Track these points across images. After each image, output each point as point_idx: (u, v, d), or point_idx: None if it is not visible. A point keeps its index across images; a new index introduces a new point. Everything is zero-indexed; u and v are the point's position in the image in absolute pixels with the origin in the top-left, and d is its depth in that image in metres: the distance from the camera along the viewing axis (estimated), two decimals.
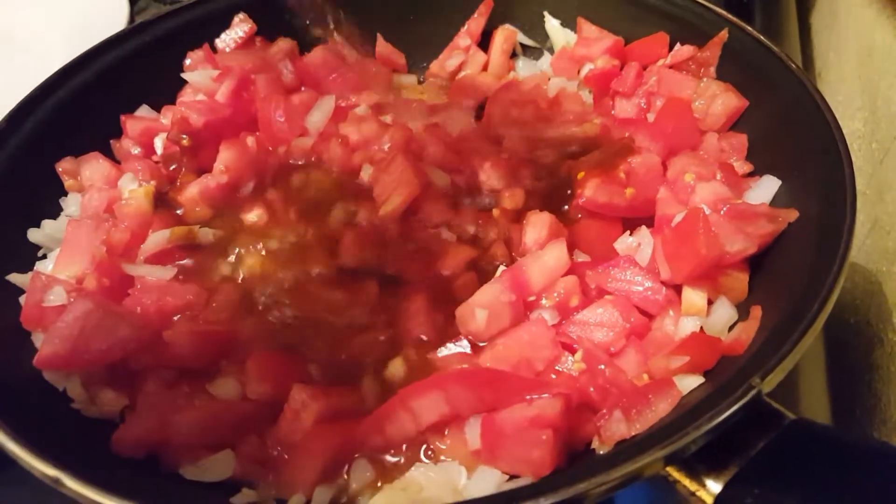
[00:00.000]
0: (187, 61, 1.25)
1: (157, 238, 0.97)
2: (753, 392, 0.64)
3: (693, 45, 1.14)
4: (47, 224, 1.03)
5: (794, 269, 0.83)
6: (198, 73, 1.21)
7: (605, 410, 0.74)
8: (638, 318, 0.84)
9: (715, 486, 0.64)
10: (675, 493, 0.67)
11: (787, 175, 0.96)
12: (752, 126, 1.06)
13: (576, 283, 0.88)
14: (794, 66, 1.00)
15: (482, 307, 0.85)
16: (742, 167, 1.02)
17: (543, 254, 0.90)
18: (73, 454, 0.68)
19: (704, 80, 1.10)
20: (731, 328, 0.85)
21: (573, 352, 0.82)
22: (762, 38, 1.07)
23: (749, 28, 1.09)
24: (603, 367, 0.76)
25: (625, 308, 0.84)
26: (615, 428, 0.72)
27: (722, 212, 0.89)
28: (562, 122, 1.14)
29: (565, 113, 1.17)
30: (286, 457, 0.75)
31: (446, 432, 0.76)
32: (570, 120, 1.13)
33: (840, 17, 1.60)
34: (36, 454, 0.66)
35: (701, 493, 0.64)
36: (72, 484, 0.63)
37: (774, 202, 0.95)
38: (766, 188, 0.96)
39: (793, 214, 0.88)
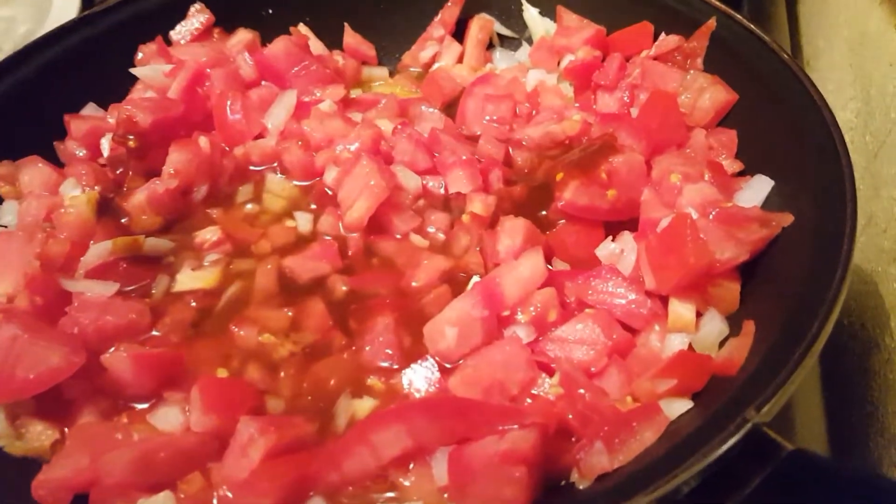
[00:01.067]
0: (139, 55, 1.17)
1: (99, 250, 0.89)
2: (749, 425, 0.57)
3: (679, 35, 1.07)
4: None
5: (790, 279, 0.76)
6: (149, 67, 1.13)
7: (585, 440, 0.67)
8: (621, 335, 0.78)
9: None
10: None
11: (780, 174, 0.90)
12: (741, 121, 1.00)
13: (553, 296, 0.81)
14: (786, 56, 0.94)
15: (452, 324, 0.78)
16: (731, 166, 0.95)
17: (518, 264, 0.83)
18: None
19: (691, 72, 1.03)
20: (721, 343, 0.79)
21: (550, 372, 0.75)
22: (752, 27, 1.00)
23: (738, 16, 1.02)
24: (583, 391, 0.69)
25: (606, 323, 0.77)
26: (596, 460, 0.66)
27: (711, 216, 0.82)
28: (540, 119, 1.06)
29: (544, 109, 1.09)
30: (232, 496, 0.67)
31: (410, 467, 0.69)
32: (549, 117, 1.06)
33: (830, 3, 1.54)
34: None
35: None
36: None
37: (766, 204, 0.89)
38: (757, 189, 0.90)
39: (787, 219, 0.82)
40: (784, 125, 0.91)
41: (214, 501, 0.70)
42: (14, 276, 0.86)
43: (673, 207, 0.87)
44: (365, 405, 0.79)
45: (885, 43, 1.19)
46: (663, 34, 1.09)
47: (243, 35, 1.20)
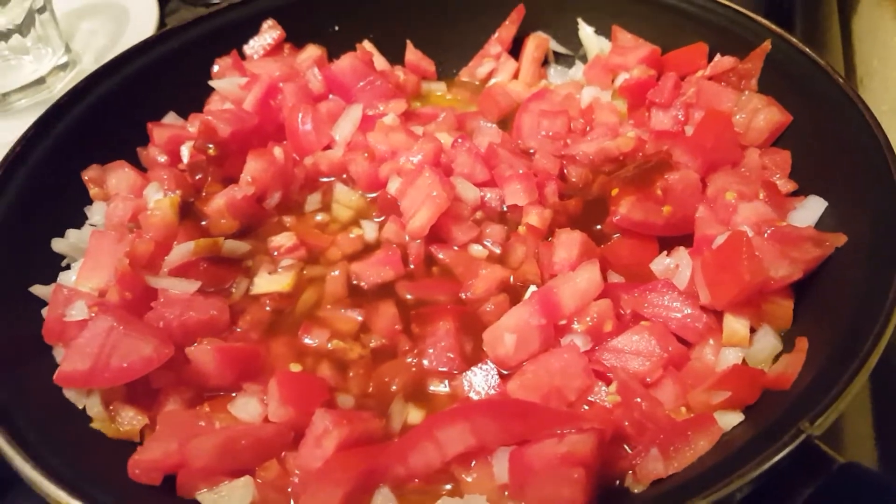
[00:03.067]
0: (215, 68, 1.24)
1: (182, 250, 0.95)
2: (803, 437, 0.60)
3: (734, 56, 1.09)
4: (71, 234, 1.03)
5: (843, 298, 0.79)
6: (225, 80, 1.20)
7: (640, 447, 0.70)
8: (676, 347, 0.81)
9: None
10: None
11: (834, 196, 0.92)
12: (795, 142, 1.02)
13: (609, 307, 0.84)
14: (840, 79, 0.96)
15: (511, 331, 0.82)
16: (785, 185, 0.97)
17: (575, 275, 0.86)
18: (87, 479, 0.67)
19: (746, 92, 1.05)
20: (775, 359, 0.81)
21: (607, 381, 0.79)
22: (806, 49, 1.02)
23: (793, 39, 1.04)
24: (639, 400, 0.73)
25: (662, 336, 0.80)
26: (652, 466, 0.69)
27: (766, 234, 0.84)
28: (595, 135, 1.10)
29: (598, 125, 1.13)
30: (307, 484, 0.73)
31: (472, 464, 0.73)
32: (604, 133, 1.09)
33: (885, 23, 1.54)
34: (50, 479, 0.65)
35: None
36: None
37: (820, 224, 0.91)
38: (811, 209, 0.92)
39: (841, 239, 0.83)
40: (838, 146, 0.93)
41: (289, 489, 0.75)
42: (106, 273, 0.93)
43: (728, 225, 0.90)
44: (417, 414, 0.83)
45: None
46: (718, 55, 1.12)
47: (312, 51, 1.27)
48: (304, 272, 0.99)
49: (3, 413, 0.76)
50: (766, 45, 1.06)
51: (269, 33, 1.27)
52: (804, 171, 0.99)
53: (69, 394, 0.84)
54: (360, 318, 0.92)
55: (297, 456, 0.75)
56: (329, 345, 0.90)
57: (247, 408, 0.81)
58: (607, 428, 0.70)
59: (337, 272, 0.96)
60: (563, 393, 0.77)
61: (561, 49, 1.33)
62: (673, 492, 0.59)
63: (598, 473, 0.69)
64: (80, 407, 0.84)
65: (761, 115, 1.02)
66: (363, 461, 0.72)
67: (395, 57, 1.32)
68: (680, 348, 0.81)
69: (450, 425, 0.71)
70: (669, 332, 0.82)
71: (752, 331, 0.82)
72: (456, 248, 1.00)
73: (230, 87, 1.18)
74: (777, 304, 0.82)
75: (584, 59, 1.30)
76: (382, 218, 1.05)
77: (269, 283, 0.96)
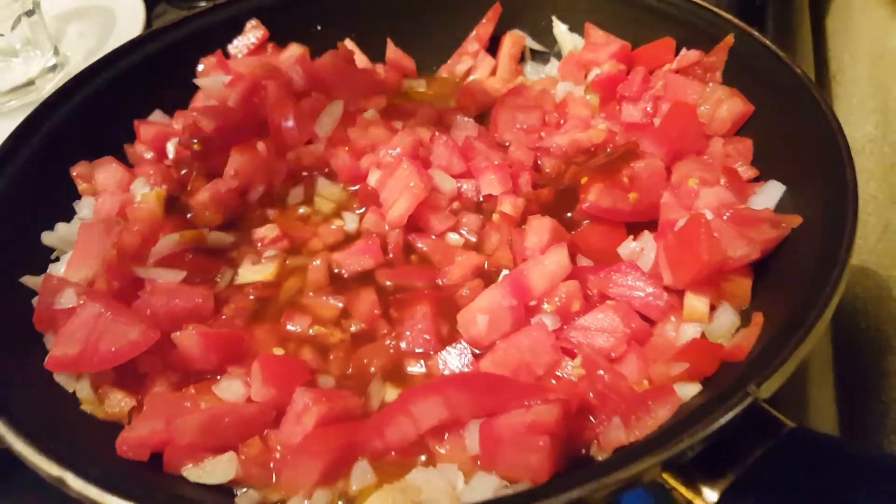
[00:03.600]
0: (200, 67, 1.28)
1: (168, 241, 0.99)
2: (750, 399, 0.64)
3: (699, 50, 1.14)
4: (61, 227, 1.06)
5: (796, 275, 0.83)
6: (210, 78, 1.23)
7: (604, 417, 0.74)
8: (639, 324, 0.85)
9: (711, 495, 0.64)
10: (672, 500, 0.67)
11: (792, 181, 0.96)
12: (758, 130, 1.06)
13: (577, 288, 0.88)
14: (799, 71, 1.00)
15: (483, 312, 0.85)
16: (747, 172, 1.01)
17: (544, 258, 0.90)
18: (78, 455, 0.70)
19: (710, 84, 1.10)
20: (734, 335, 0.85)
21: (574, 357, 0.83)
22: (768, 42, 1.06)
23: (756, 33, 1.09)
24: (602, 372, 0.77)
25: (626, 314, 0.84)
26: (614, 434, 0.72)
27: (725, 216, 0.88)
28: (567, 128, 1.14)
29: (571, 118, 1.17)
30: (287, 458, 0.76)
31: (445, 437, 0.76)
32: (576, 126, 1.14)
33: (854, 19, 1.59)
34: (42, 454, 0.68)
35: (697, 502, 0.64)
36: (75, 483, 0.65)
37: (779, 208, 0.95)
38: (770, 193, 0.96)
39: (796, 220, 0.88)
40: (796, 135, 0.97)
41: (271, 464, 0.78)
42: (94, 263, 0.96)
43: (690, 209, 0.94)
44: (394, 392, 0.86)
45: None
46: (685, 49, 1.16)
47: (295, 49, 1.30)
48: (287, 262, 1.03)
49: None
50: (729, 38, 1.11)
51: (253, 33, 1.31)
52: (765, 158, 1.03)
53: (60, 378, 0.87)
54: (340, 305, 0.95)
55: (278, 433, 0.78)
56: (310, 330, 0.93)
57: (230, 388, 0.84)
58: (572, 399, 0.73)
59: (318, 262, 1.00)
60: (532, 368, 0.81)
61: (536, 46, 1.37)
62: (628, 453, 0.63)
63: (563, 442, 0.72)
64: (71, 391, 0.87)
65: (724, 105, 1.06)
66: (342, 436, 0.76)
67: (377, 55, 1.36)
68: (643, 325, 0.85)
69: (423, 399, 0.75)
70: (633, 310, 0.86)
71: (713, 308, 0.86)
72: (433, 236, 1.04)
73: (214, 85, 1.22)
74: (736, 283, 0.86)
75: (558, 55, 1.35)
76: (363, 209, 1.09)
77: (252, 272, 1.00)
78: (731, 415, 0.62)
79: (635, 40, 1.23)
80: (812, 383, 1.09)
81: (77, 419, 0.83)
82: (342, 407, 0.79)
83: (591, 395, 0.76)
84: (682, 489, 0.64)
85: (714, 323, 0.85)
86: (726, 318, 0.85)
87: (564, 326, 0.86)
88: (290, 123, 1.15)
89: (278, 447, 0.78)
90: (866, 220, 1.31)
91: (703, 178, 0.97)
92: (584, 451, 0.76)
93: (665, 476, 0.64)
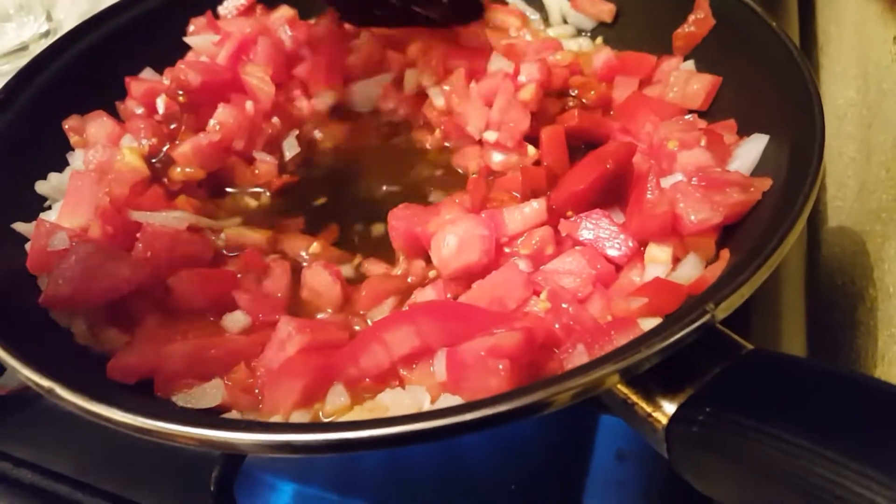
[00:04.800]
0: (190, 27, 1.30)
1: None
2: (707, 316, 0.66)
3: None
4: (53, 177, 1.08)
5: (764, 219, 0.84)
6: (200, 37, 1.26)
7: (568, 345, 0.76)
8: (605, 266, 0.86)
9: (670, 407, 0.66)
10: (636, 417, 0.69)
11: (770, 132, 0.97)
12: (735, 89, 1.08)
13: (551, 234, 0.90)
14: (772, 22, 1.02)
15: (455, 234, 0.88)
16: (730, 139, 1.00)
17: (523, 205, 0.93)
18: (68, 372, 0.73)
19: (673, 74, 1.12)
20: None
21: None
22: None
23: None
24: (566, 305, 0.79)
25: (592, 257, 0.86)
26: (577, 361, 0.74)
27: (693, 181, 0.88)
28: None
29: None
30: (268, 380, 0.79)
31: (415, 366, 0.79)
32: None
33: None
34: (32, 367, 0.71)
35: (656, 414, 0.66)
36: (64, 394, 0.68)
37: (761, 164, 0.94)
38: (752, 148, 0.95)
39: (766, 183, 0.86)
40: (772, 89, 0.99)
41: (256, 390, 0.81)
42: (87, 211, 0.98)
43: (670, 172, 0.94)
44: None
45: (884, 23, 1.26)
46: None
47: (284, 11, 1.32)
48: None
49: None
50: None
51: None
52: (742, 115, 1.04)
53: (55, 316, 0.90)
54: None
55: (261, 357, 0.81)
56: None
57: (234, 319, 0.88)
58: (536, 328, 0.76)
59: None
60: (504, 302, 0.83)
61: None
62: (587, 365, 0.65)
63: (525, 369, 0.74)
64: (65, 326, 0.90)
65: (692, 82, 1.09)
66: (319, 360, 0.78)
67: None
68: (609, 268, 0.87)
69: (397, 328, 0.77)
70: (600, 254, 0.88)
71: (678, 260, 0.88)
72: None
73: (204, 43, 1.24)
74: (699, 240, 0.87)
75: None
76: None
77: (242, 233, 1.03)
78: (688, 329, 0.65)
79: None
80: (786, 337, 1.12)
81: (70, 349, 0.86)
82: (325, 338, 0.82)
83: (556, 325, 0.78)
84: (643, 403, 0.67)
85: (678, 271, 0.86)
86: (691, 266, 0.86)
87: (534, 272, 0.89)
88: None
89: (261, 370, 0.81)
90: (845, 182, 1.33)
91: (682, 139, 0.96)
92: None
93: (624, 389, 0.67)
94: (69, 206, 1.01)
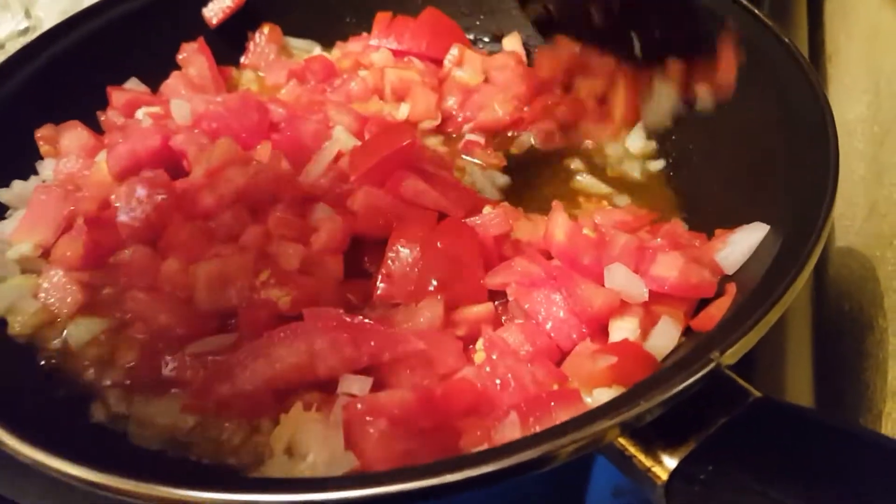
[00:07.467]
0: (181, 55, 1.23)
1: None
2: (713, 365, 0.61)
3: None
4: (17, 184, 1.02)
5: (770, 254, 0.78)
6: (178, 102, 1.09)
7: (500, 412, 0.68)
8: (546, 342, 0.79)
9: (671, 462, 0.61)
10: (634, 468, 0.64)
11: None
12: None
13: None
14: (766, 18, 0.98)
15: None
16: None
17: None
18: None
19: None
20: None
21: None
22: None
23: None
24: (503, 357, 0.73)
25: (533, 333, 0.79)
26: (509, 433, 0.66)
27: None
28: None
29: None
30: None
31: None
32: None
33: (850, 1, 1.56)
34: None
35: (656, 469, 0.61)
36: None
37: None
38: (745, 240, 0.83)
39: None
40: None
41: None
42: (47, 228, 0.92)
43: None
44: None
45: None
46: None
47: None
48: None
49: None
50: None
51: None
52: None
53: None
54: None
55: None
56: None
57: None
58: (455, 389, 0.70)
59: None
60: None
61: None
62: (585, 415, 0.60)
63: (429, 435, 0.67)
64: None
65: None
66: None
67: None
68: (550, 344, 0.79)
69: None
70: (543, 331, 0.79)
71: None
72: None
73: (181, 110, 1.09)
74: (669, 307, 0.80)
75: None
76: None
77: None
78: (691, 380, 0.60)
79: None
80: (790, 364, 1.07)
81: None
82: None
83: (496, 381, 0.71)
84: (642, 456, 0.61)
85: (650, 340, 0.77)
86: (664, 335, 0.77)
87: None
88: None
89: None
90: (855, 201, 1.28)
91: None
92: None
93: (624, 442, 0.62)
94: (29, 220, 0.94)
